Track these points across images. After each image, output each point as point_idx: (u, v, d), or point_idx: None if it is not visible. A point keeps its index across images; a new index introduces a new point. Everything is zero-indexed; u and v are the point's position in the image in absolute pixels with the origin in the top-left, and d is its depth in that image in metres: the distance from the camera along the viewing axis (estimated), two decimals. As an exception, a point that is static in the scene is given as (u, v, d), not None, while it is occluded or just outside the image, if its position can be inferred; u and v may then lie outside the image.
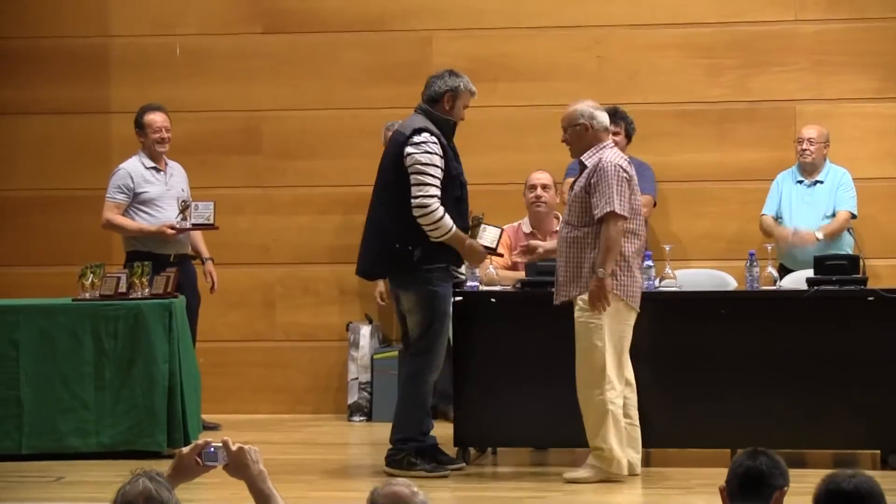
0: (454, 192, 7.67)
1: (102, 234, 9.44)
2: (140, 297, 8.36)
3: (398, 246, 7.54)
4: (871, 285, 7.93)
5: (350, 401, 9.84)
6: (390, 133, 9.45)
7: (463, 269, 7.89)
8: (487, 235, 7.87)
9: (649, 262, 8.05)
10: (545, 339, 7.91)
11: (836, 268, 7.91)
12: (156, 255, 8.90)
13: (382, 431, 7.88)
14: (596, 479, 7.29)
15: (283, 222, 10.20)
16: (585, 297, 7.35)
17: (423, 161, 7.55)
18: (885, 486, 7.34)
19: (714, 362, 7.82)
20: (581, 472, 7.38)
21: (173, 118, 9.30)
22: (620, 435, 7.37)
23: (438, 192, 7.52)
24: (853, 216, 9.25)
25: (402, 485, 4.10)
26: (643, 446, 8.11)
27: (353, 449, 8.86)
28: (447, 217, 7.52)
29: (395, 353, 9.71)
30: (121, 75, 10.32)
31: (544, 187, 8.73)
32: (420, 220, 7.50)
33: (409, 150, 7.56)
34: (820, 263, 7.99)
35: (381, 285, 9.41)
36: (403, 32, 10.17)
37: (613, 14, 10.05)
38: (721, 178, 9.97)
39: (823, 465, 7.96)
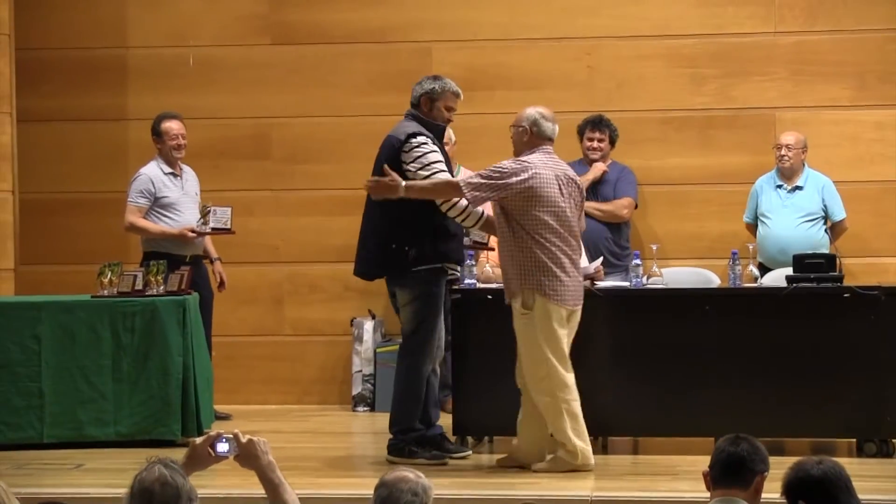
0: None
1: (121, 234, 9.39)
2: (156, 293, 8.32)
3: (394, 246, 7.45)
4: (846, 283, 7.88)
5: (354, 392, 9.80)
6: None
7: (459, 267, 7.82)
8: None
9: (637, 261, 8.02)
10: (539, 333, 7.85)
11: (813, 266, 7.87)
12: (172, 255, 8.86)
13: (385, 421, 7.82)
14: (561, 471, 7.21)
15: (290, 223, 10.16)
16: (519, 301, 7.27)
17: (430, 160, 7.45)
18: (860, 472, 7.34)
19: (698, 356, 7.78)
20: (546, 464, 7.30)
21: (187, 125, 9.26)
22: (579, 428, 7.25)
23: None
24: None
25: (408, 471, 4.10)
26: (630, 434, 8.11)
27: (357, 438, 8.82)
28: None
29: (396, 346, 9.64)
30: (138, 84, 10.28)
31: None
32: (450, 214, 7.42)
33: (408, 154, 7.46)
34: (799, 262, 7.95)
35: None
36: (405, 44, 10.13)
37: (602, 26, 10.02)
38: (704, 181, 9.94)
39: (801, 453, 7.86)
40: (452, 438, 7.88)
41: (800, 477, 4.32)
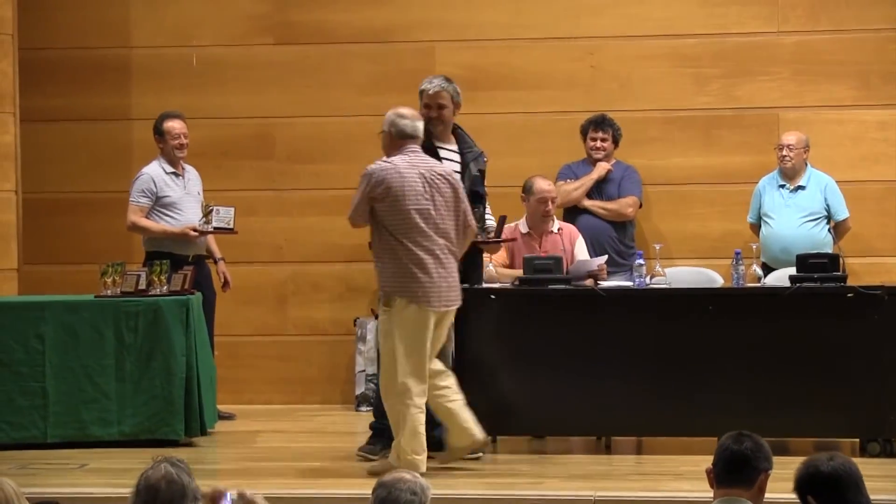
0: None
1: (124, 234, 9.38)
2: (159, 293, 8.31)
3: None
4: (849, 282, 7.86)
5: (357, 392, 9.80)
6: None
7: None
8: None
9: (640, 261, 8.02)
10: (542, 333, 7.87)
11: (817, 266, 7.86)
12: (175, 255, 8.85)
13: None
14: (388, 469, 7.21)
15: (294, 223, 10.15)
16: (382, 301, 7.27)
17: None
18: (864, 472, 7.29)
19: (702, 355, 7.77)
20: (378, 465, 7.22)
21: (190, 125, 9.25)
22: (415, 442, 7.13)
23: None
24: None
25: (406, 471, 4.12)
26: (634, 434, 8.10)
27: (360, 437, 8.77)
28: None
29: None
30: (142, 84, 10.28)
31: (553, 200, 8.65)
32: None
33: None
34: (802, 262, 7.94)
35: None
36: (408, 44, 10.12)
37: (606, 26, 10.01)
38: (707, 181, 9.93)
39: (805, 453, 7.85)
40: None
41: (810, 473, 4.31)
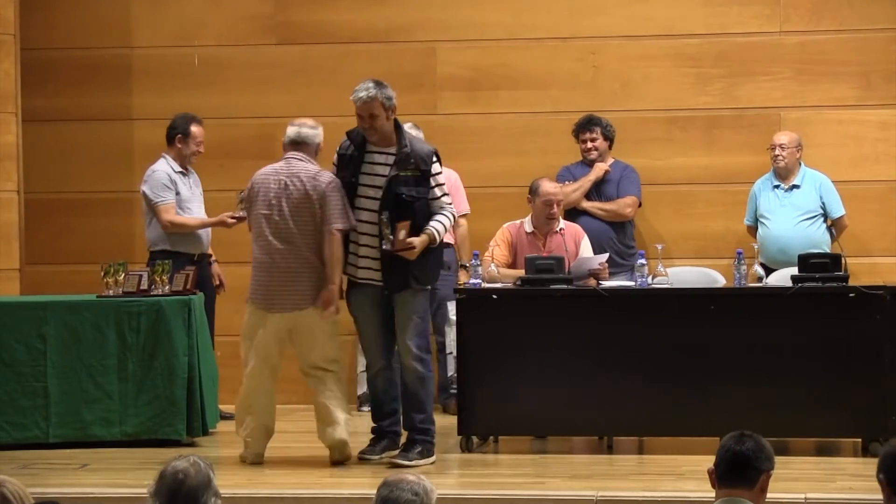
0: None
1: (126, 234, 9.39)
2: (161, 293, 8.31)
3: None
4: (851, 282, 7.86)
5: (359, 392, 9.78)
6: None
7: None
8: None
9: (642, 261, 8.01)
10: (544, 333, 7.87)
11: (819, 266, 7.85)
12: (181, 254, 8.87)
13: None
14: None
15: (295, 223, 10.12)
16: None
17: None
18: (866, 472, 7.34)
19: (704, 355, 7.77)
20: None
21: (191, 127, 9.28)
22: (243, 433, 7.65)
23: None
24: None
25: (410, 473, 4.13)
26: (635, 434, 8.10)
27: (361, 438, 8.77)
28: None
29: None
30: (143, 84, 10.28)
31: (558, 203, 8.63)
32: None
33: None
34: (804, 261, 7.94)
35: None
36: (409, 44, 10.12)
37: (608, 26, 10.00)
38: (709, 181, 9.93)
39: (806, 453, 7.91)
40: (458, 438, 7.88)
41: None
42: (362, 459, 7.58)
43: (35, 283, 9.82)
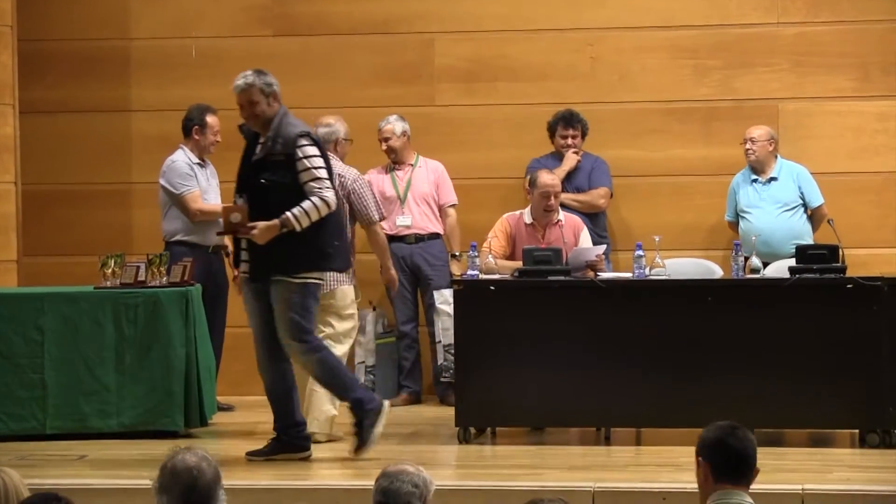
0: None
1: (123, 225, 9.37)
2: (158, 285, 8.30)
3: None
4: (848, 274, 7.85)
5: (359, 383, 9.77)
6: (388, 126, 9.41)
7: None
8: None
9: (640, 252, 8.00)
10: (541, 324, 7.85)
11: (816, 257, 7.85)
12: (197, 245, 8.92)
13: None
14: None
15: (293, 215, 10.11)
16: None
17: None
18: (863, 463, 7.34)
19: (701, 346, 7.76)
20: None
21: (189, 117, 9.27)
22: None
23: None
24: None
25: (409, 464, 4.16)
26: (633, 426, 8.09)
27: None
28: None
29: (394, 339, 9.67)
30: (141, 76, 10.26)
31: (556, 195, 8.61)
32: None
33: None
34: (802, 253, 7.93)
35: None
36: (408, 35, 10.10)
37: (605, 18, 9.99)
38: (706, 172, 9.93)
39: (803, 444, 7.91)
40: (455, 430, 7.87)
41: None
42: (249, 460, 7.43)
43: (32, 275, 9.81)
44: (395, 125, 9.40)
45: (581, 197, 9.42)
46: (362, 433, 7.30)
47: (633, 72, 9.98)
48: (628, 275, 8.16)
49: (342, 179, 8.03)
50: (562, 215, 8.70)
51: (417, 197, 9.57)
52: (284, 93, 10.14)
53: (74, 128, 10.28)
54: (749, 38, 9.91)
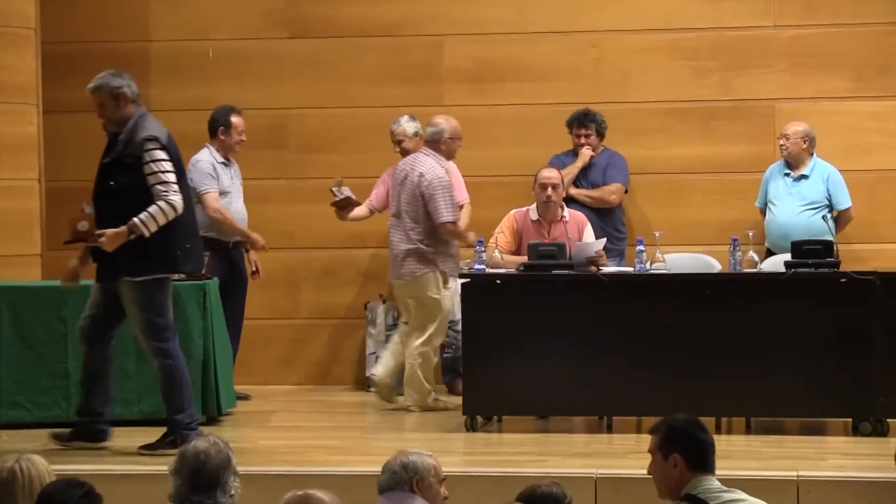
0: None
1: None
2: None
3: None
4: (843, 268, 7.87)
5: (368, 373, 9.81)
6: (399, 128, 9.41)
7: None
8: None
9: (641, 247, 8.03)
10: (546, 316, 7.89)
11: (811, 252, 7.87)
12: (218, 240, 8.97)
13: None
14: None
15: (306, 210, 10.17)
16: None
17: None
18: (856, 451, 7.37)
19: (700, 338, 7.78)
20: None
21: (207, 116, 9.29)
22: None
23: None
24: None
25: (415, 450, 4.19)
26: (634, 414, 8.13)
27: (370, 417, 8.83)
28: None
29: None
30: (160, 77, 10.29)
31: (554, 187, 8.64)
32: None
33: None
34: (797, 248, 7.95)
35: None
36: (417, 37, 10.14)
37: (608, 20, 10.02)
38: (705, 170, 9.95)
39: (799, 432, 7.94)
40: (462, 418, 7.91)
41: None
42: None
43: (56, 269, 9.79)
44: (406, 126, 9.38)
45: (592, 192, 9.42)
46: (160, 443, 7.22)
47: (634, 73, 10.01)
48: (630, 269, 8.20)
49: (420, 178, 8.44)
50: (567, 212, 8.73)
51: None
52: (298, 93, 10.26)
53: (95, 127, 10.17)
54: (747, 40, 9.93)
